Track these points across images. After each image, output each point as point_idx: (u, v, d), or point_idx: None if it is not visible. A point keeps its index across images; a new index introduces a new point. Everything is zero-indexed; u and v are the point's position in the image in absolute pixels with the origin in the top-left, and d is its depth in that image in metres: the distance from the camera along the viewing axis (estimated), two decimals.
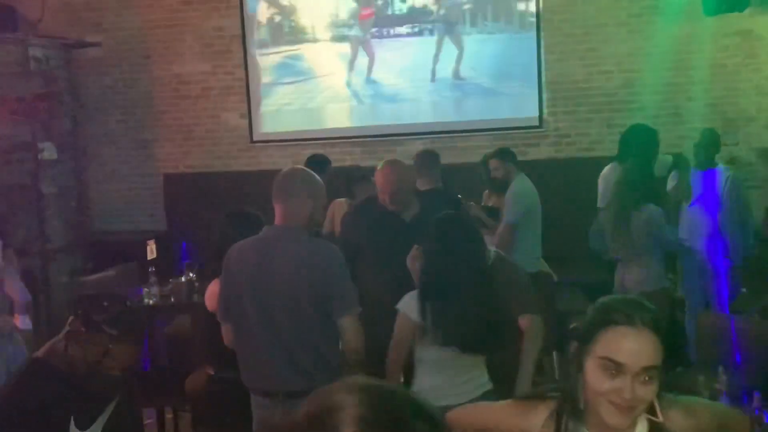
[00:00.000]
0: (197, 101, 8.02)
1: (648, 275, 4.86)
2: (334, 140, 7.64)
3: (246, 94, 7.90)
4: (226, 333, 3.16)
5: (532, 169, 6.26)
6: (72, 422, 2.34)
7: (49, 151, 7.44)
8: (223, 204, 5.74)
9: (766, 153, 6.76)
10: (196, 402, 3.99)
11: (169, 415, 4.76)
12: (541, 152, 7.48)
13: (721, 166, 5.50)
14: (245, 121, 7.96)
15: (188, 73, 8.00)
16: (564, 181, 6.91)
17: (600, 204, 5.45)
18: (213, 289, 3.47)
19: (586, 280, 5.92)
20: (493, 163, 5.53)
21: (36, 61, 7.31)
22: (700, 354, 4.73)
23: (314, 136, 7.70)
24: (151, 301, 5.13)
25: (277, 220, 3.10)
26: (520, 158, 5.82)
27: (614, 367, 1.62)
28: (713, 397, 3.62)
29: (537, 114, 7.50)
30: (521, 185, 5.37)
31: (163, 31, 7.98)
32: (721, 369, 3.62)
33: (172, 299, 5.21)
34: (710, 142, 5.47)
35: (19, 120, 7.00)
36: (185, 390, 4.07)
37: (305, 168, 3.34)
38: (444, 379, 3.11)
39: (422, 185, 4.68)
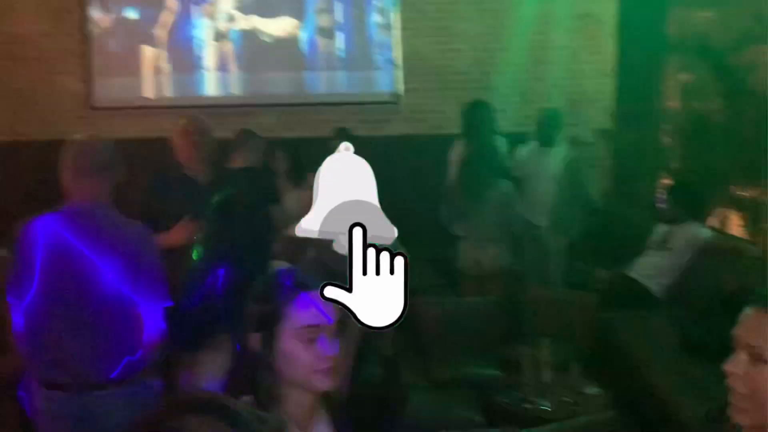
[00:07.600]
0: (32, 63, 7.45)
1: (501, 253, 4.96)
2: (179, 109, 7.27)
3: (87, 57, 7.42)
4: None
5: (386, 145, 6.25)
6: None
7: None
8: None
9: (604, 134, 7.04)
10: None
11: None
12: (394, 128, 7.49)
13: (560, 146, 5.66)
14: (84, 86, 7.48)
15: (23, 34, 7.41)
16: (417, 158, 6.94)
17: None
18: None
19: (434, 256, 5.96)
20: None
21: None
22: (536, 328, 4.86)
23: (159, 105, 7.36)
24: None
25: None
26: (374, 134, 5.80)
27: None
28: (536, 367, 3.71)
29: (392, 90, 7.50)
30: None
31: None
32: (547, 341, 3.72)
33: None
34: (552, 122, 5.61)
35: None
36: None
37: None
38: None
39: (236, 163, 4.63)
